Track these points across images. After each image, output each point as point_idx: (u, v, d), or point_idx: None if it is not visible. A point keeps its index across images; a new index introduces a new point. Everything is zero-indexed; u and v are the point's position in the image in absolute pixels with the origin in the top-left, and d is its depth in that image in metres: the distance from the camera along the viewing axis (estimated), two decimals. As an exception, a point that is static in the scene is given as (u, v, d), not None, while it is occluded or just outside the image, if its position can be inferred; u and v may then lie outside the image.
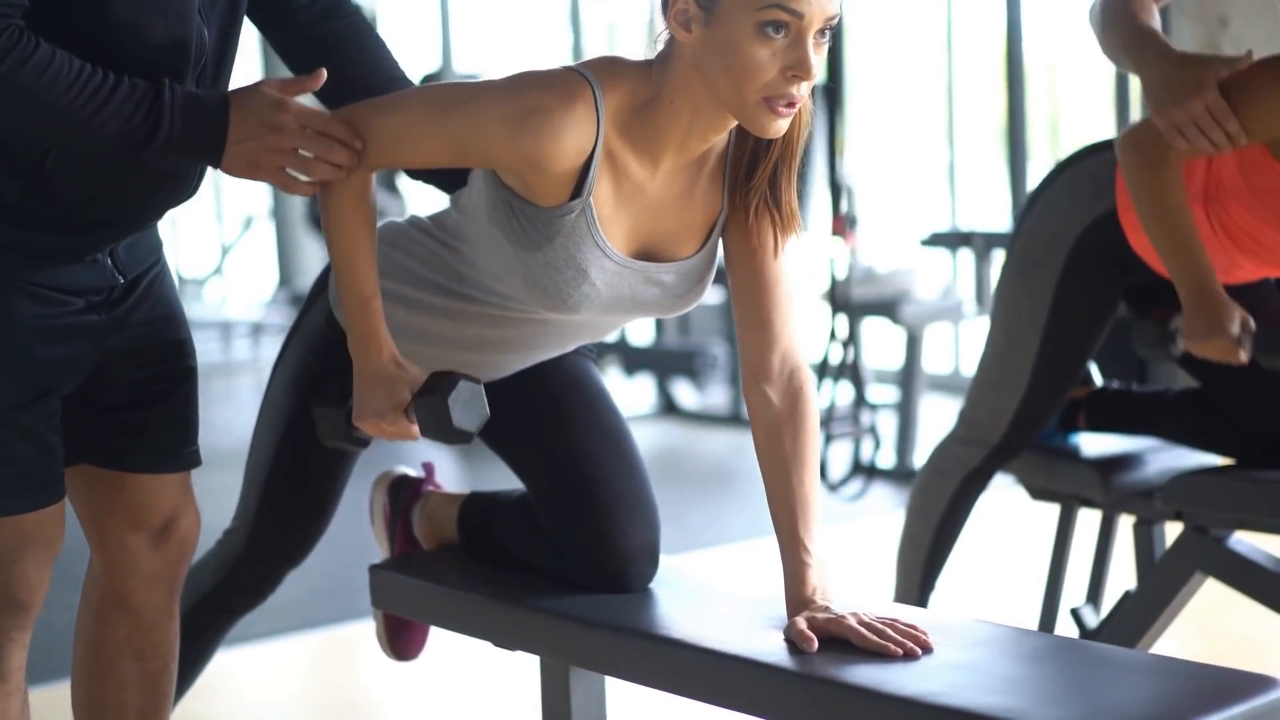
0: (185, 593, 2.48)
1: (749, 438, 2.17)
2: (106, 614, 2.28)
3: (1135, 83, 3.27)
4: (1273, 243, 2.60)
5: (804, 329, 2.14)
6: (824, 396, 5.06)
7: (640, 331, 8.30)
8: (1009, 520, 4.87)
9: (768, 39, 1.88)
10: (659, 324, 7.98)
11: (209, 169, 2.14)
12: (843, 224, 4.71)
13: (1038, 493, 3.15)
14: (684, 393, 7.52)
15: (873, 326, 6.05)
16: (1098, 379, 3.14)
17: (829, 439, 4.94)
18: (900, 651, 1.89)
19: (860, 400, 5.15)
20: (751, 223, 2.09)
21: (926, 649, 1.91)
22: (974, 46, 7.18)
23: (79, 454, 2.20)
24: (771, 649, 1.95)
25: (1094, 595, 3.20)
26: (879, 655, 1.89)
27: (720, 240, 2.15)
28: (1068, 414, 3.10)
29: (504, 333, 2.22)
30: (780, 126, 1.95)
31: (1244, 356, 2.55)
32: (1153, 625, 2.92)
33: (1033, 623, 3.19)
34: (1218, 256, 2.63)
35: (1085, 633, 3.08)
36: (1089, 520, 3.25)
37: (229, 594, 2.49)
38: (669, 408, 7.41)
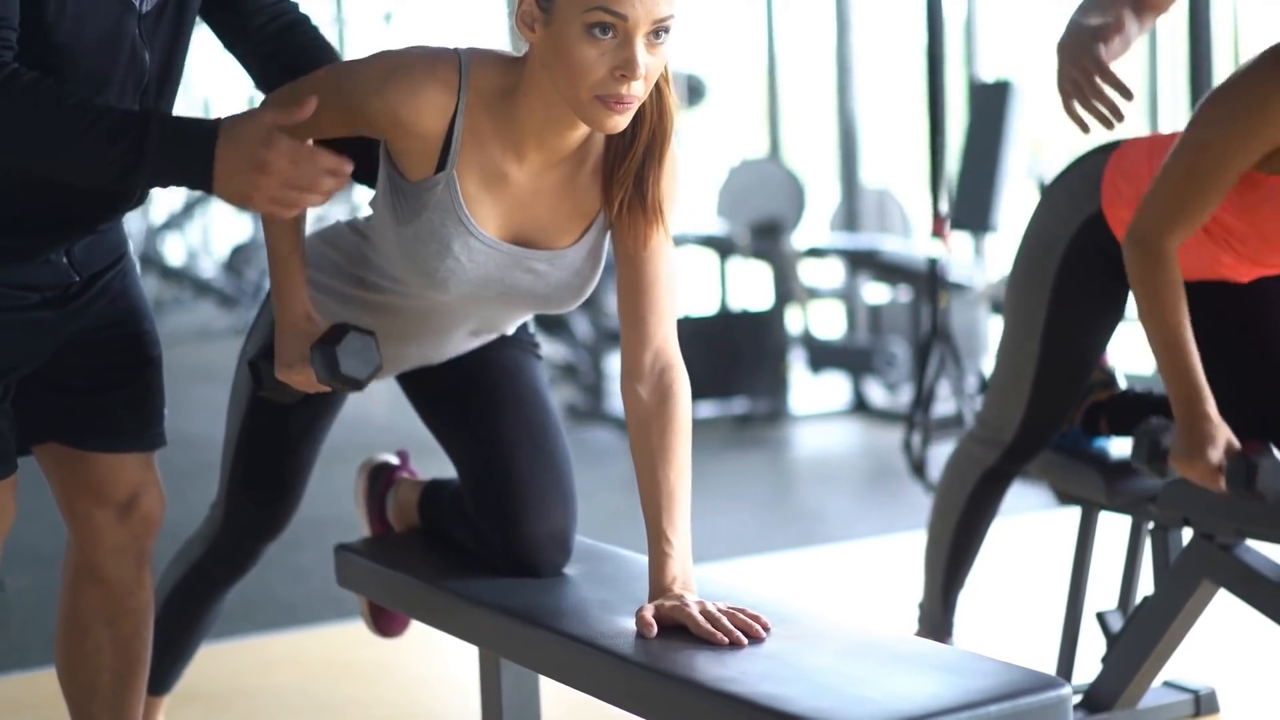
0: (177, 563, 2.70)
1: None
2: (80, 583, 2.49)
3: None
4: (1242, 233, 2.56)
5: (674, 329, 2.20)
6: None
7: (826, 326, 8.25)
8: (1046, 526, 4.81)
9: (596, 40, 1.98)
10: (850, 319, 7.93)
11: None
12: (942, 225, 4.68)
13: (1059, 495, 3.14)
14: (875, 390, 7.49)
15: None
16: (1122, 382, 3.11)
17: (926, 440, 4.91)
18: (726, 640, 1.96)
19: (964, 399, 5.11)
20: (624, 217, 2.17)
21: (756, 638, 1.98)
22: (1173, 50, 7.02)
23: (45, 433, 2.40)
24: (614, 634, 2.04)
25: (1124, 600, 3.17)
26: (708, 642, 1.97)
27: (606, 238, 2.24)
28: (1091, 417, 3.08)
29: (405, 323, 2.34)
30: (617, 123, 2.03)
31: (1223, 485, 2.50)
32: (1166, 632, 2.88)
33: (1058, 627, 3.17)
34: (1198, 253, 2.61)
35: (1110, 637, 3.06)
36: (1122, 525, 3.21)
37: (212, 564, 2.67)
38: (859, 405, 7.41)
